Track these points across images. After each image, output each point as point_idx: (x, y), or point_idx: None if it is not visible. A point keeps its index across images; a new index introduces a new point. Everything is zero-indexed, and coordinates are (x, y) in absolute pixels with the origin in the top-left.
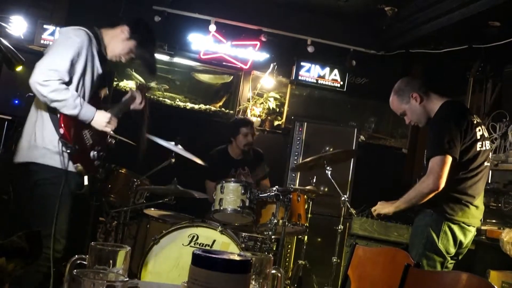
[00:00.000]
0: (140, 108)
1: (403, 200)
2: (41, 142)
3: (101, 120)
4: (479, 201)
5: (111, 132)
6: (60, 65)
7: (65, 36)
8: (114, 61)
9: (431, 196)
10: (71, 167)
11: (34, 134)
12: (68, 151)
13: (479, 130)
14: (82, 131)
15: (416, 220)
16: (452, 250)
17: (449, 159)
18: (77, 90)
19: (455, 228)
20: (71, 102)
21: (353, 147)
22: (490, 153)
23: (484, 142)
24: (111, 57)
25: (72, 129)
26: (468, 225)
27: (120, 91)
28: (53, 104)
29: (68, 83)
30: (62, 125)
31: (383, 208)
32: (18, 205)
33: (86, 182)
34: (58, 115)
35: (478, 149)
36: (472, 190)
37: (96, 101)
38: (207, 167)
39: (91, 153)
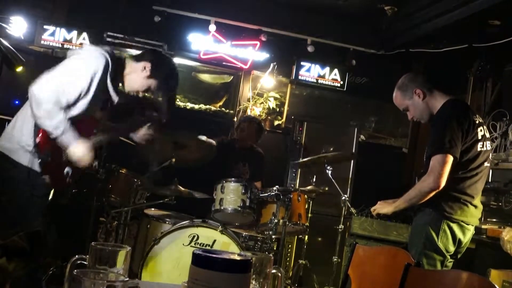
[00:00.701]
0: (142, 143)
1: (403, 199)
2: (18, 137)
3: (78, 151)
4: (478, 201)
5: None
6: (65, 91)
7: (85, 58)
8: (131, 95)
9: (431, 195)
10: (38, 169)
11: (15, 124)
12: (39, 160)
13: (481, 131)
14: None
15: (415, 219)
16: (452, 249)
17: (450, 158)
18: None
19: (454, 227)
20: (54, 127)
21: (353, 147)
22: (491, 154)
23: (485, 143)
24: (128, 90)
25: (49, 142)
26: (467, 224)
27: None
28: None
29: (70, 107)
30: (40, 134)
31: (382, 207)
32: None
33: (51, 196)
34: None
35: (479, 149)
36: (471, 190)
37: (90, 121)
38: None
39: (66, 169)
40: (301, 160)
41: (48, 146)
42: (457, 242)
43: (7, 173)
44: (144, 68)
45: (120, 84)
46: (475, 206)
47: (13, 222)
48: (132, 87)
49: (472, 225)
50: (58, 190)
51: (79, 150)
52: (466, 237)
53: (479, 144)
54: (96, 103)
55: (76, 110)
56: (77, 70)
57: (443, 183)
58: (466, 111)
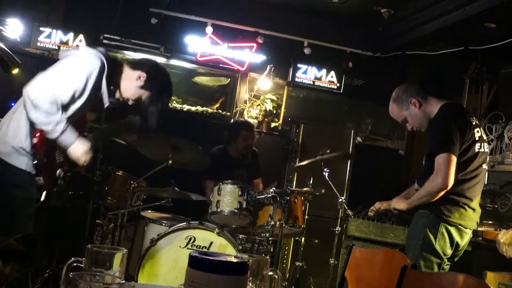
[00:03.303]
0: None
1: (415, 198)
2: (12, 139)
3: (78, 151)
4: (476, 203)
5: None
6: (60, 90)
7: (79, 59)
8: (122, 100)
9: (441, 194)
10: (33, 171)
11: (7, 126)
12: (35, 162)
13: (478, 132)
14: (56, 147)
15: (413, 221)
16: (449, 252)
17: (454, 157)
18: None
19: (452, 230)
20: (52, 128)
21: (350, 149)
22: (488, 157)
23: (482, 144)
24: (118, 97)
25: (46, 143)
26: (465, 228)
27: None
28: (34, 124)
29: (66, 107)
30: (37, 135)
31: (398, 203)
32: None
33: (43, 197)
34: None
35: (476, 150)
36: (470, 192)
37: (81, 122)
38: (206, 167)
39: (58, 171)
40: (297, 164)
41: (44, 147)
42: (454, 245)
43: (4, 178)
44: (139, 77)
45: (112, 88)
46: (473, 209)
47: (7, 227)
48: (124, 94)
49: (470, 229)
50: (49, 192)
51: (79, 149)
52: (463, 241)
53: (477, 145)
54: (90, 105)
55: (71, 111)
56: (72, 71)
57: (451, 182)
58: (462, 112)
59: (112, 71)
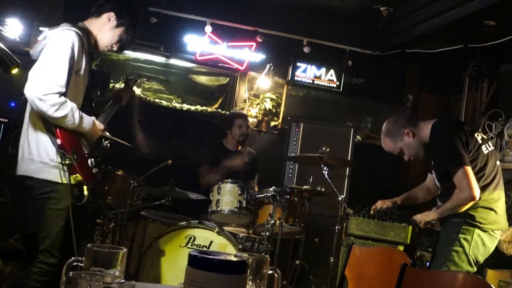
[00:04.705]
0: (123, 105)
1: (444, 209)
2: (37, 155)
3: (98, 129)
4: (502, 201)
5: (107, 134)
6: (58, 77)
7: (56, 41)
8: (107, 51)
9: (470, 205)
10: (67, 179)
11: (29, 146)
12: (67, 162)
13: (478, 135)
14: (80, 139)
15: (444, 228)
16: (481, 259)
17: (469, 169)
18: (71, 94)
19: (485, 237)
20: (70, 118)
21: (350, 147)
22: (496, 152)
23: (487, 144)
24: (102, 48)
25: (70, 139)
26: (497, 231)
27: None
28: (53, 120)
29: (65, 93)
30: (59, 135)
31: (427, 216)
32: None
33: (85, 192)
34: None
35: (485, 152)
36: (496, 193)
37: (88, 104)
38: (203, 157)
39: (89, 161)
40: (296, 154)
41: (71, 143)
42: (486, 252)
43: (36, 191)
44: (109, 19)
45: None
46: (501, 209)
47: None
48: (104, 43)
49: (499, 230)
50: (90, 182)
51: (98, 125)
52: (494, 245)
53: (483, 148)
54: (87, 82)
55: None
56: (55, 51)
57: (477, 191)
58: (458, 124)
59: (86, 36)
